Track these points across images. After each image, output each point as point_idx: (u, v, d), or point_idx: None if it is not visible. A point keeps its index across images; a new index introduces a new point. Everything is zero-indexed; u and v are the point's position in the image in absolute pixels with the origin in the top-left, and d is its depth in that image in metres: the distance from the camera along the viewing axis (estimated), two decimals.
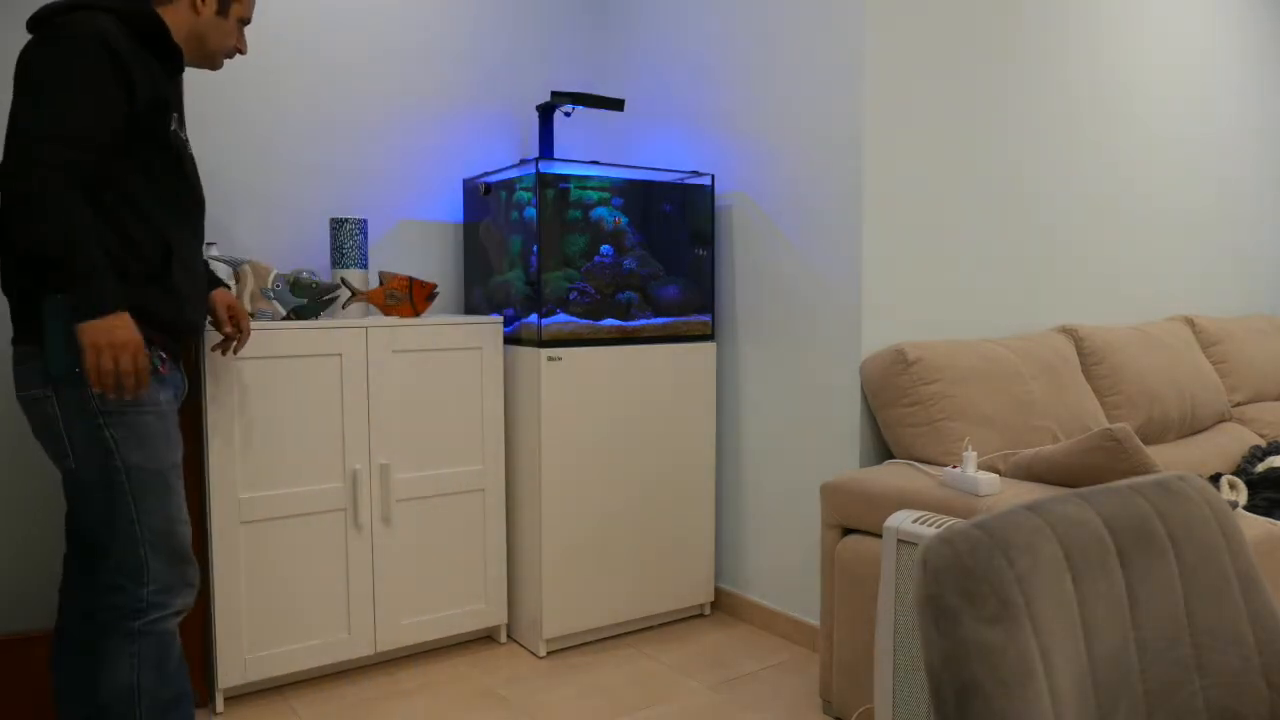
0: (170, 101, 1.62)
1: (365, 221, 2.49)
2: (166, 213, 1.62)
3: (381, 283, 2.46)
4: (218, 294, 1.91)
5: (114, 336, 1.46)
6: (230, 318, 1.91)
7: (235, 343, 1.95)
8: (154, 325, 1.58)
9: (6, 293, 1.55)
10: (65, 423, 1.51)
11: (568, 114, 2.83)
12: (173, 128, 1.63)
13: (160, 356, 1.59)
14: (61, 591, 1.71)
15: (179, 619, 1.61)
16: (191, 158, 1.72)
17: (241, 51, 1.80)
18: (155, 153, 1.59)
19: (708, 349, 2.70)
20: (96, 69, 1.47)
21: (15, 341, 1.55)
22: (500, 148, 2.98)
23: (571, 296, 2.48)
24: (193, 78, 2.46)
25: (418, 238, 2.83)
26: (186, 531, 1.62)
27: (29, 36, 1.66)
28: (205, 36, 1.72)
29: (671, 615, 2.75)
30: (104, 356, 1.46)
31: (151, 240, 1.58)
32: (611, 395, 2.52)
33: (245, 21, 1.77)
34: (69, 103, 1.44)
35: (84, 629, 1.66)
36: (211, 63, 1.78)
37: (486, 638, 2.62)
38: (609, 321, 2.54)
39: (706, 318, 2.71)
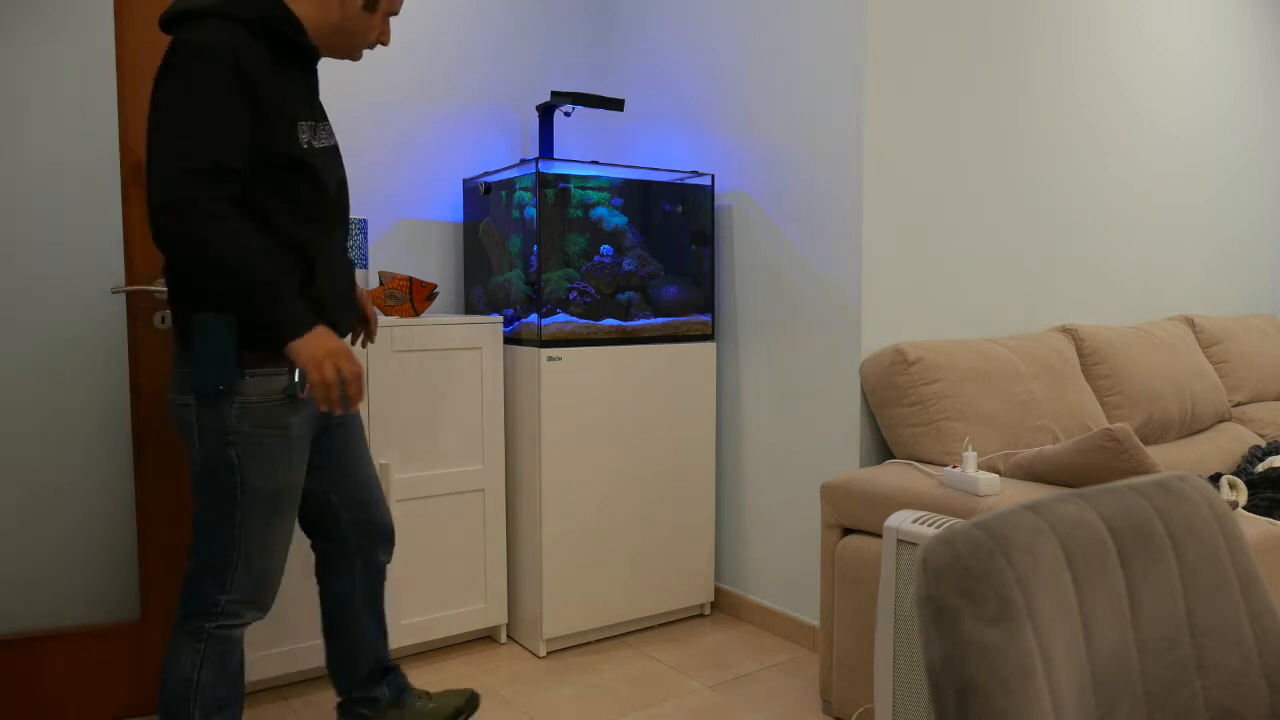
0: (299, 113, 1.58)
1: (365, 221, 2.49)
2: (305, 227, 1.61)
3: (381, 283, 2.46)
4: None
5: (327, 347, 1.51)
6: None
7: (363, 333, 1.94)
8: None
9: (173, 312, 1.59)
10: (200, 433, 1.56)
11: (568, 114, 2.83)
12: (304, 142, 1.59)
13: (301, 387, 1.59)
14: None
15: (245, 629, 1.66)
16: (328, 162, 1.65)
17: (384, 43, 1.73)
18: (287, 172, 1.57)
19: (708, 349, 2.70)
20: (227, 98, 1.45)
21: (178, 351, 1.61)
22: (500, 148, 2.98)
23: (571, 296, 2.48)
24: None
25: (418, 238, 2.83)
26: (280, 556, 1.65)
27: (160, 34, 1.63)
28: (349, 32, 1.66)
29: (671, 615, 2.75)
30: (326, 367, 1.51)
31: (292, 258, 1.58)
32: (611, 395, 2.52)
33: (393, 14, 1.71)
34: (201, 136, 1.42)
35: (353, 594, 1.84)
36: (351, 55, 1.72)
37: (486, 638, 2.62)
38: (609, 321, 2.54)
39: (706, 318, 2.71)
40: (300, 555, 2.23)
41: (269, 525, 1.62)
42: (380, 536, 1.89)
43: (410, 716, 1.95)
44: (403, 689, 1.97)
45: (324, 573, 1.90)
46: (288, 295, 1.49)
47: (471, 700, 2.05)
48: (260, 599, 1.64)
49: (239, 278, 1.45)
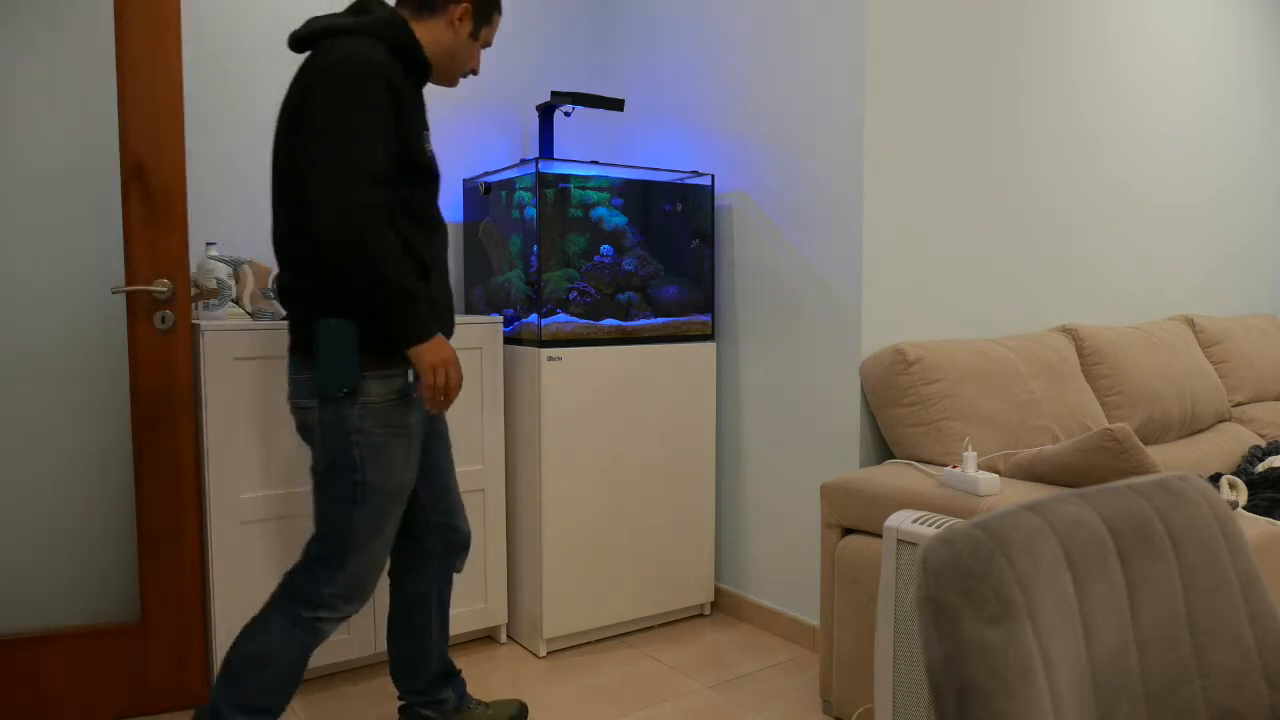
0: (424, 124, 1.69)
1: None
2: (421, 232, 1.69)
3: None
4: None
5: (444, 354, 1.63)
6: None
7: None
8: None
9: (287, 308, 1.67)
10: (322, 434, 1.64)
11: (568, 114, 2.83)
12: (428, 151, 1.70)
13: (415, 380, 1.69)
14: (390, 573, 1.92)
15: (336, 626, 1.72)
16: (438, 173, 1.75)
17: (474, 72, 1.84)
18: (414, 180, 1.66)
19: (708, 349, 2.70)
20: (383, 110, 1.55)
21: (292, 351, 1.68)
22: (500, 148, 2.98)
23: (571, 296, 2.48)
24: (191, 77, 2.46)
25: None
26: (385, 553, 1.73)
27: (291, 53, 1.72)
28: (457, 55, 1.77)
29: (671, 615, 2.75)
30: (439, 374, 1.62)
31: (412, 263, 1.67)
32: (611, 395, 2.52)
33: (487, 45, 1.84)
34: (367, 145, 1.52)
35: (425, 596, 1.89)
36: (451, 80, 1.82)
37: (486, 638, 2.62)
38: (609, 321, 2.54)
39: (706, 318, 2.71)
40: (297, 555, 2.23)
41: (382, 521, 1.69)
42: (459, 543, 1.94)
43: None
44: (465, 695, 2.01)
45: (401, 573, 1.93)
46: (422, 302, 1.60)
47: (522, 710, 2.08)
48: (361, 594, 1.71)
49: (388, 282, 1.54)
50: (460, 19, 1.74)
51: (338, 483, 1.66)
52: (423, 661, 1.94)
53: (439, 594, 1.95)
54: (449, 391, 1.64)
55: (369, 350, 1.63)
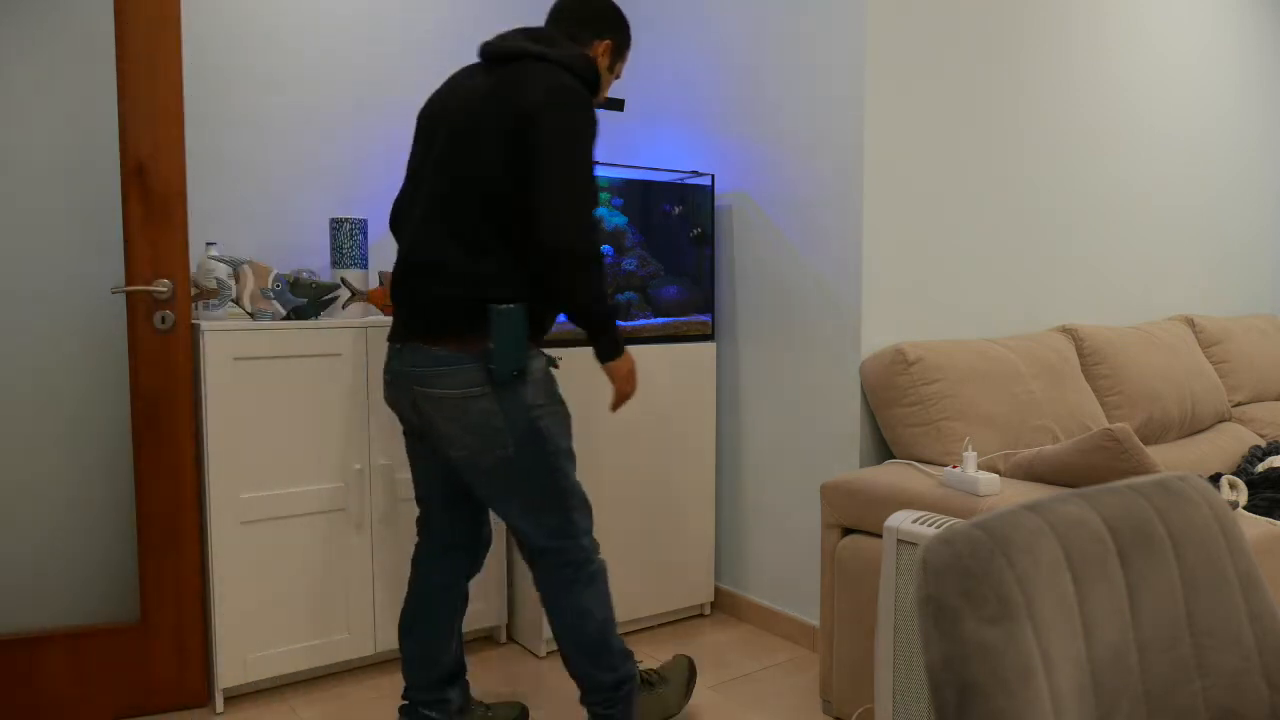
0: None
1: (365, 221, 2.49)
2: None
3: (381, 283, 2.46)
4: None
5: (630, 365, 1.84)
6: None
7: None
8: (543, 329, 1.84)
9: (441, 309, 1.72)
10: (506, 416, 1.73)
11: None
12: None
13: (556, 361, 1.86)
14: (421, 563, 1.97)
15: None
16: None
17: (602, 101, 2.03)
18: None
19: (708, 349, 2.70)
20: (594, 145, 1.74)
21: (443, 348, 1.72)
22: None
23: None
24: (191, 76, 2.46)
25: None
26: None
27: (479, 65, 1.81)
28: (600, 88, 1.90)
29: (671, 615, 2.75)
30: (629, 383, 1.85)
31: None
32: (611, 395, 2.52)
33: (617, 78, 2.01)
34: (593, 184, 1.71)
35: (447, 593, 1.95)
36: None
37: (486, 638, 2.62)
38: None
39: (706, 318, 2.71)
40: (301, 553, 2.23)
41: (573, 472, 1.84)
42: (485, 541, 2.01)
43: None
44: (469, 697, 2.02)
45: (428, 565, 1.96)
46: (615, 319, 1.81)
47: (523, 713, 2.10)
48: (592, 523, 1.88)
49: (605, 307, 1.75)
50: (603, 54, 1.91)
51: (533, 456, 1.76)
52: (438, 656, 1.94)
53: (463, 589, 1.98)
54: (629, 397, 1.89)
55: (530, 333, 1.77)
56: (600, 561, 1.87)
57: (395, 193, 2.79)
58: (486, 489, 1.79)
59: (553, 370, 1.84)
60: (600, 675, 1.84)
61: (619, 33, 1.93)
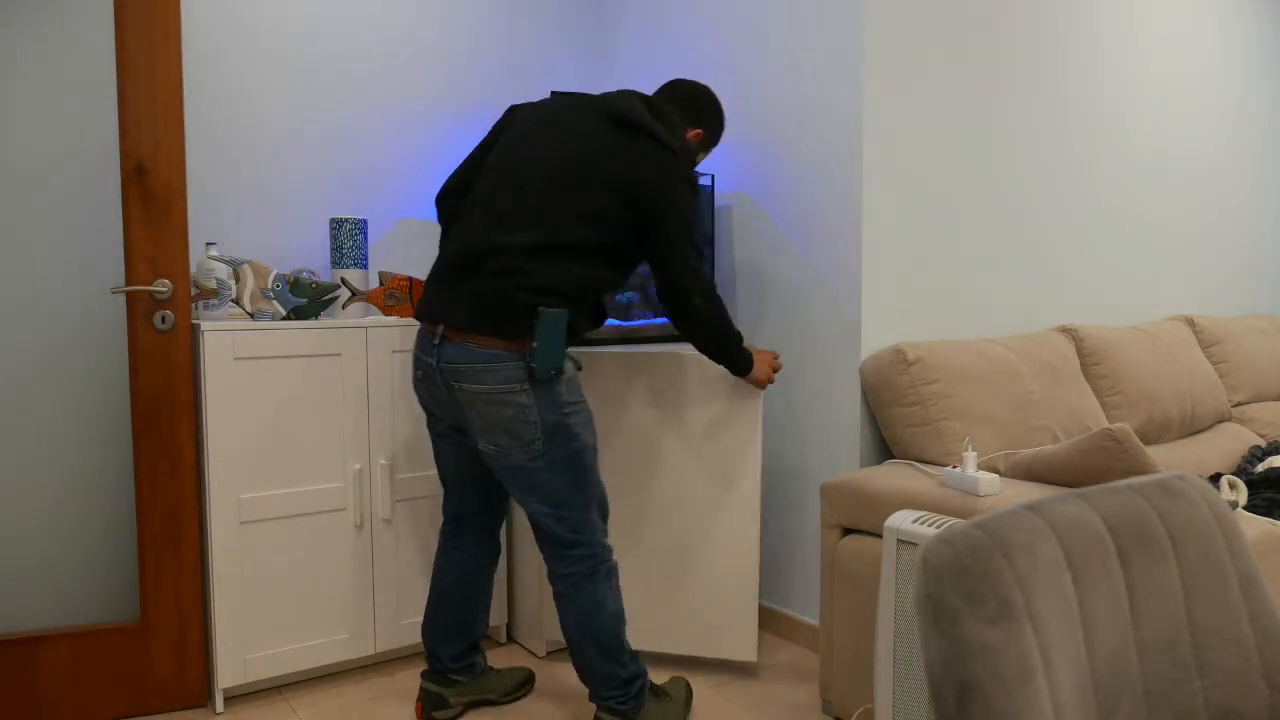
0: None
1: (365, 221, 2.49)
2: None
3: (381, 283, 2.46)
4: None
5: (764, 366, 2.15)
6: None
7: None
8: (576, 337, 1.93)
9: (498, 308, 1.81)
10: (540, 411, 1.83)
11: None
12: None
13: (580, 363, 1.99)
14: (447, 553, 2.10)
15: None
16: None
17: None
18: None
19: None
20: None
21: (482, 345, 1.81)
22: None
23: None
24: (190, 75, 2.46)
25: (418, 238, 2.83)
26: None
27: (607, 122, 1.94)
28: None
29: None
30: (772, 379, 2.18)
31: (595, 311, 2.01)
32: (610, 396, 2.52)
33: (696, 155, 2.19)
34: (697, 234, 1.93)
35: (472, 580, 2.08)
36: None
37: (487, 637, 2.62)
38: (609, 322, 2.54)
39: None
40: (302, 553, 2.24)
41: (598, 473, 1.96)
42: (500, 521, 2.15)
43: (488, 685, 2.17)
44: (486, 660, 2.19)
45: (469, 544, 2.08)
46: (742, 343, 2.07)
47: (530, 677, 2.26)
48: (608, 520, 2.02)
49: (729, 339, 2.02)
50: (694, 138, 2.13)
51: (562, 453, 1.86)
52: (473, 624, 2.09)
53: (493, 565, 2.13)
54: (777, 372, 2.20)
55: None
56: (615, 560, 1.98)
57: (395, 192, 2.79)
58: (514, 481, 1.89)
59: (579, 369, 1.96)
60: (615, 670, 1.93)
61: (712, 129, 2.16)
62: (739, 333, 2.04)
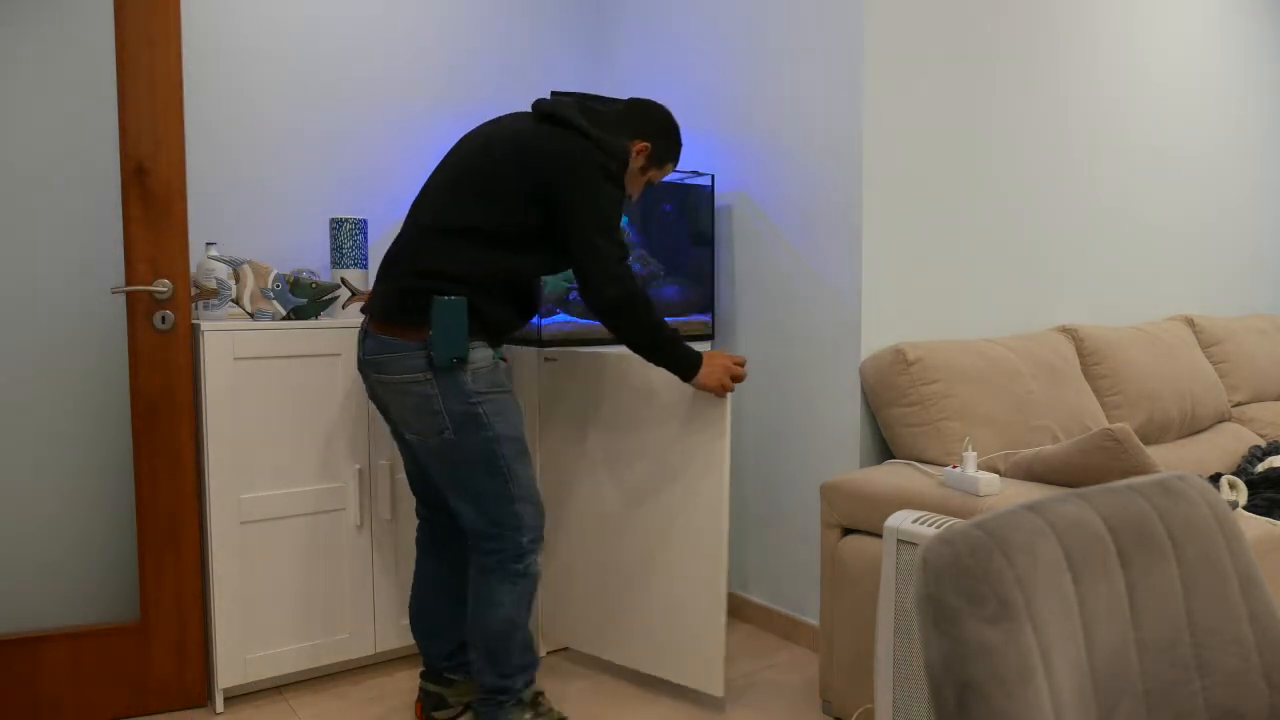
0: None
1: (365, 221, 2.49)
2: (537, 283, 2.04)
3: None
4: None
5: (717, 370, 1.98)
6: None
7: None
8: (495, 330, 1.90)
9: (397, 299, 1.82)
10: (445, 401, 1.82)
11: None
12: None
13: (503, 354, 1.89)
14: (423, 545, 2.09)
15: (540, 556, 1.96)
16: None
17: (631, 198, 2.13)
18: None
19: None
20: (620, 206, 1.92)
21: (387, 336, 1.82)
22: None
23: (571, 297, 2.48)
24: (190, 75, 2.46)
25: None
26: (536, 483, 1.94)
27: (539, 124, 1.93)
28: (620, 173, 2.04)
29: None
30: (727, 386, 2.00)
31: (519, 302, 1.95)
32: (610, 396, 2.52)
33: (652, 184, 2.14)
34: (614, 230, 1.87)
35: (449, 578, 2.06)
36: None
37: None
38: None
39: (706, 318, 2.71)
40: (302, 553, 2.23)
41: (525, 465, 1.90)
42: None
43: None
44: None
45: (427, 535, 2.08)
46: (680, 342, 1.93)
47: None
48: (542, 528, 1.93)
49: (654, 330, 1.90)
50: (639, 153, 2.03)
51: (473, 442, 1.83)
52: (451, 624, 2.08)
53: (465, 568, 2.10)
54: (724, 389, 2.00)
55: (471, 325, 1.84)
56: (532, 567, 1.91)
57: (395, 193, 2.79)
58: (435, 471, 1.88)
59: (501, 363, 1.92)
60: (488, 675, 1.90)
61: (660, 142, 2.07)
62: (672, 332, 1.92)
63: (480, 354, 1.86)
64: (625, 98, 2.34)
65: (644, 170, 2.08)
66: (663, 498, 2.25)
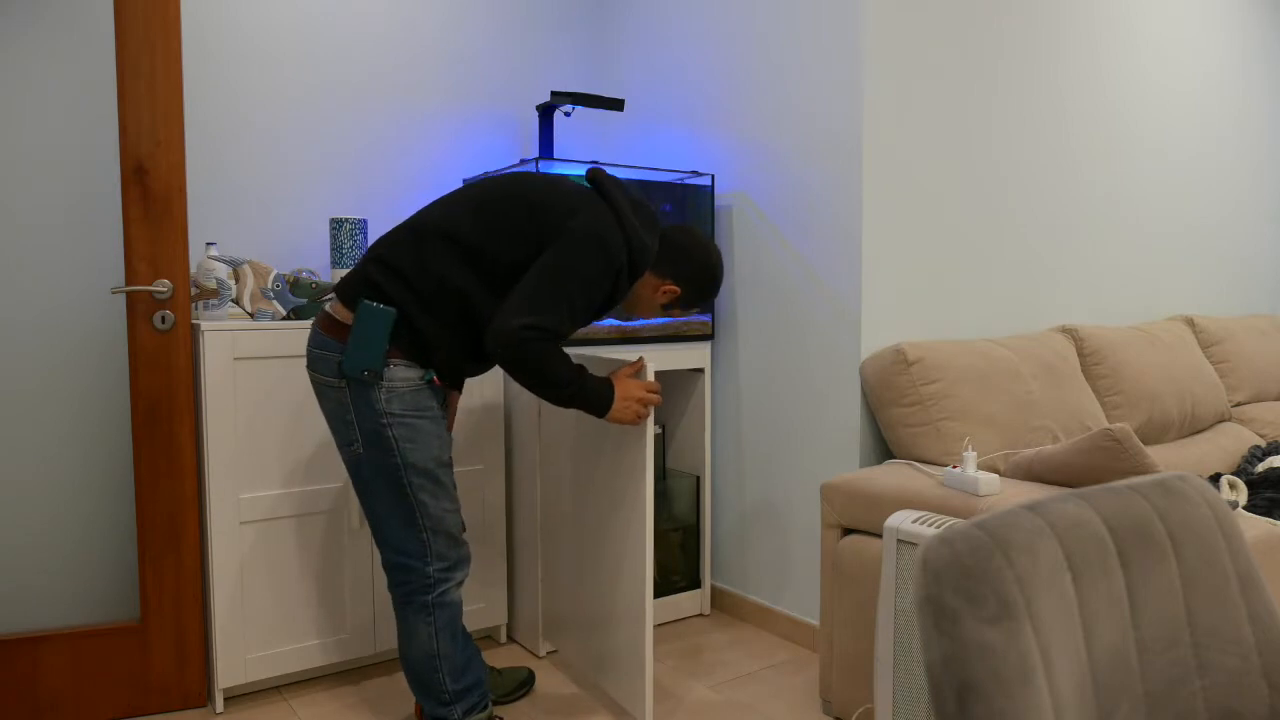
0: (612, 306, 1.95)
1: (365, 221, 2.49)
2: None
3: None
4: None
5: (628, 405, 1.84)
6: None
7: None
8: (430, 352, 1.77)
9: (343, 297, 1.77)
10: (356, 414, 1.75)
11: (568, 114, 2.83)
12: (589, 318, 1.89)
13: (434, 375, 1.80)
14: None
15: (461, 588, 1.89)
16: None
17: (638, 316, 2.08)
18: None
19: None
20: (602, 291, 1.79)
21: (325, 334, 1.77)
22: (500, 148, 2.98)
23: None
24: (190, 75, 2.46)
25: None
26: (458, 517, 1.85)
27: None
28: (639, 305, 2.01)
29: (671, 615, 2.74)
30: (640, 415, 1.88)
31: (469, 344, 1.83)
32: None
33: (670, 318, 2.08)
34: (571, 310, 1.73)
35: None
36: (626, 308, 2.04)
37: (486, 637, 2.62)
38: (609, 321, 2.54)
39: (706, 317, 2.71)
40: (301, 553, 2.24)
41: (438, 496, 1.80)
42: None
43: (491, 685, 2.17)
44: (483, 659, 2.15)
45: None
46: (588, 383, 1.77)
47: (531, 676, 2.26)
48: (460, 557, 1.85)
49: (555, 386, 1.73)
50: (665, 291, 1.96)
51: (380, 465, 1.76)
52: None
53: None
54: (654, 408, 1.87)
55: (398, 342, 1.74)
56: (447, 596, 1.83)
57: (396, 192, 2.79)
58: (353, 482, 1.84)
59: (430, 387, 1.78)
60: (426, 703, 1.89)
61: (688, 287, 1.97)
62: (574, 383, 1.75)
63: (402, 373, 1.74)
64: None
65: (665, 307, 2.02)
66: (598, 513, 2.22)
